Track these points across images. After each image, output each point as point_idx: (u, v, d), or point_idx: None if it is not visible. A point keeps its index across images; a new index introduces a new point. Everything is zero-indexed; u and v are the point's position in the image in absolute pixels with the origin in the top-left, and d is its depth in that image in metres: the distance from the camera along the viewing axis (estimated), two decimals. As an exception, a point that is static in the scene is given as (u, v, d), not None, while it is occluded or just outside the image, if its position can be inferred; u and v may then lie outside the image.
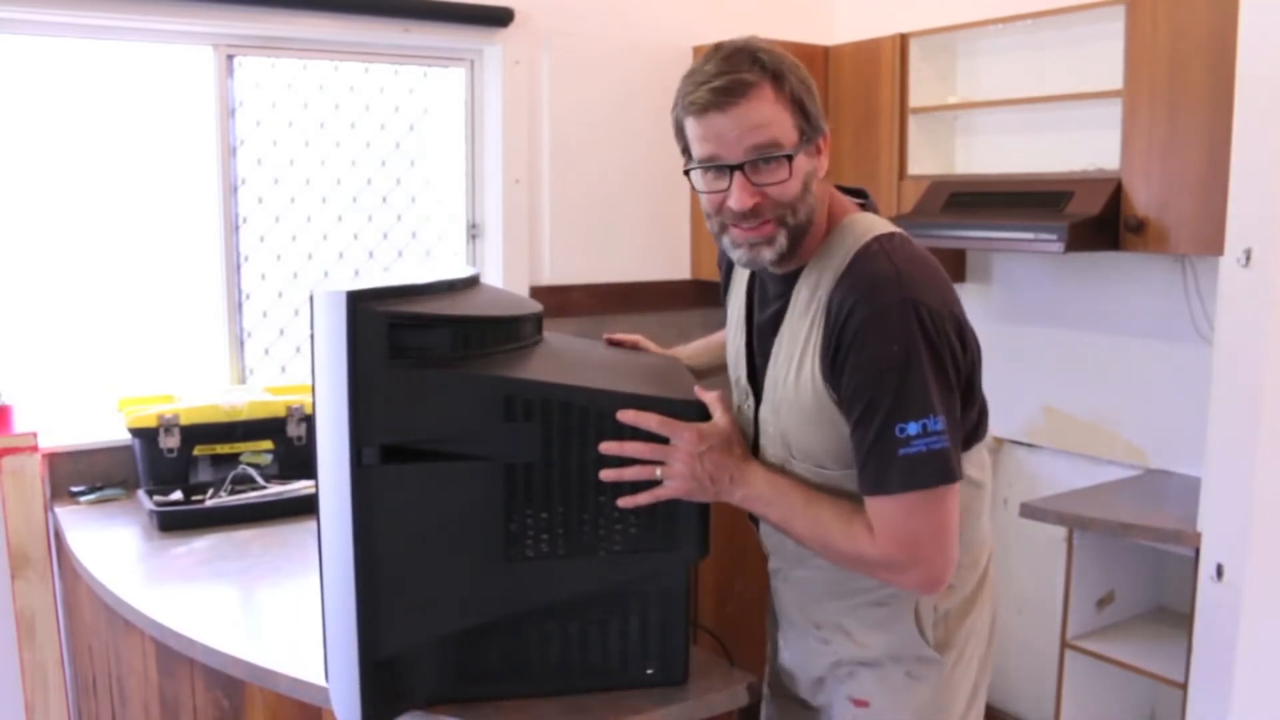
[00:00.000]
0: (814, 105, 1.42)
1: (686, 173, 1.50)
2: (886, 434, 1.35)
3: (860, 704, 1.57)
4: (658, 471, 1.42)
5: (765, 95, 1.38)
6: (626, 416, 1.41)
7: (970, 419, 1.52)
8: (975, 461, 1.57)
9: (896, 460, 1.35)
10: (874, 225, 1.47)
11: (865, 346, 1.36)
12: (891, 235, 1.45)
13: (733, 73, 1.38)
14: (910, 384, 1.34)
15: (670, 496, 1.43)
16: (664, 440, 1.42)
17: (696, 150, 1.45)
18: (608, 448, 1.41)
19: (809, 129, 1.41)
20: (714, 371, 1.89)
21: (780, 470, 1.50)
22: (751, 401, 1.59)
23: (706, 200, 1.46)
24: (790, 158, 1.39)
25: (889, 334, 1.35)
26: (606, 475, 1.42)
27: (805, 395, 1.46)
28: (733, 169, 1.40)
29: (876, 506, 1.39)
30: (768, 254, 1.44)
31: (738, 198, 1.40)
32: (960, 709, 1.62)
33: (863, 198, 1.58)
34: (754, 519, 1.61)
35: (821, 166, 1.45)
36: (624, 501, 1.43)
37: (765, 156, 1.38)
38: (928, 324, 1.36)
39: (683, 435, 1.42)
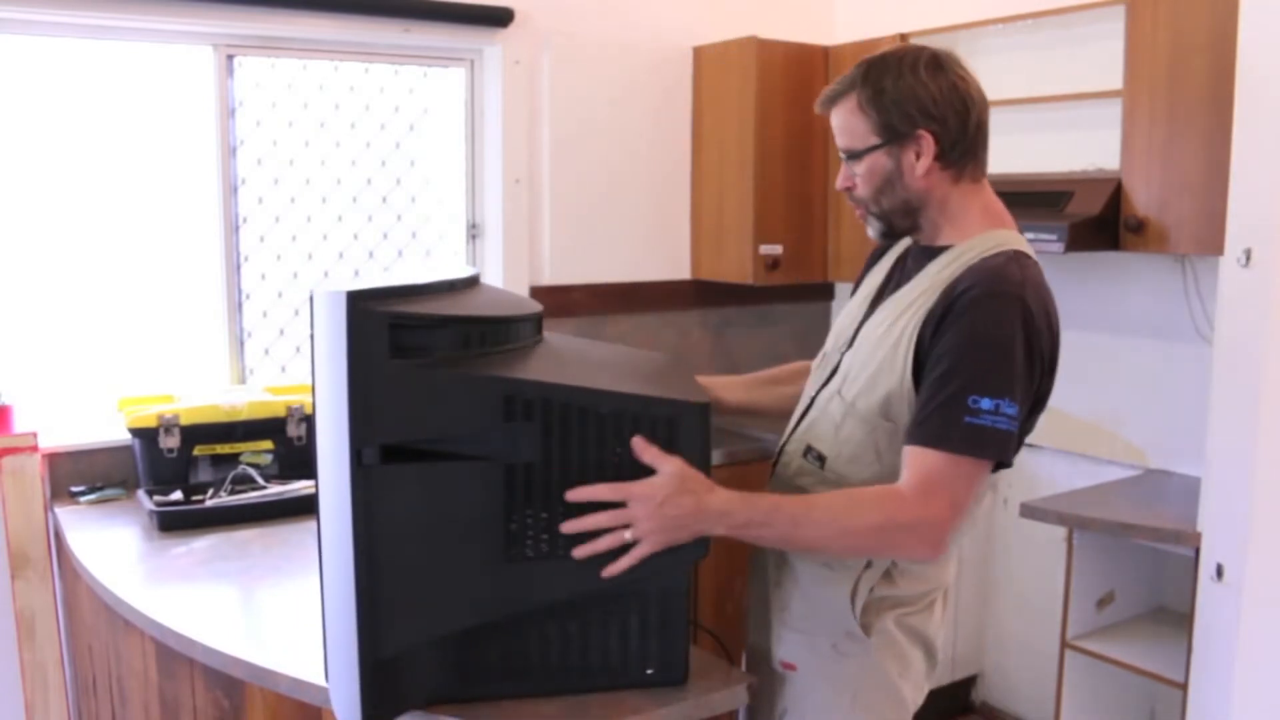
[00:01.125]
0: (896, 110, 1.56)
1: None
2: (960, 399, 1.43)
3: (789, 666, 1.68)
4: (627, 535, 1.44)
5: (847, 104, 1.59)
6: (576, 495, 1.43)
7: (1021, 444, 1.58)
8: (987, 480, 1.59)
9: (962, 425, 1.43)
10: (1019, 244, 1.59)
11: (971, 317, 1.47)
12: (1028, 256, 1.58)
13: (838, 83, 1.62)
14: (999, 364, 1.44)
15: (649, 552, 1.44)
16: (622, 504, 1.44)
17: None
18: (569, 527, 1.43)
19: (890, 132, 1.57)
20: (740, 411, 1.94)
21: (748, 493, 1.51)
22: (843, 349, 1.67)
23: None
24: (860, 156, 1.58)
25: (996, 315, 1.46)
26: (580, 552, 1.44)
27: (886, 342, 1.56)
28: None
29: (926, 460, 1.44)
30: (870, 231, 1.67)
31: (839, 178, 1.66)
32: (884, 701, 1.65)
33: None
34: (779, 482, 1.71)
35: (914, 163, 1.57)
36: (607, 572, 1.45)
37: (844, 155, 1.62)
38: (1032, 324, 1.47)
39: (634, 493, 1.43)
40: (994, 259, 1.53)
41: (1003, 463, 1.49)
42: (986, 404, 1.42)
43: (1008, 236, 1.60)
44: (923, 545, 1.46)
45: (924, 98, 1.57)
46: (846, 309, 1.77)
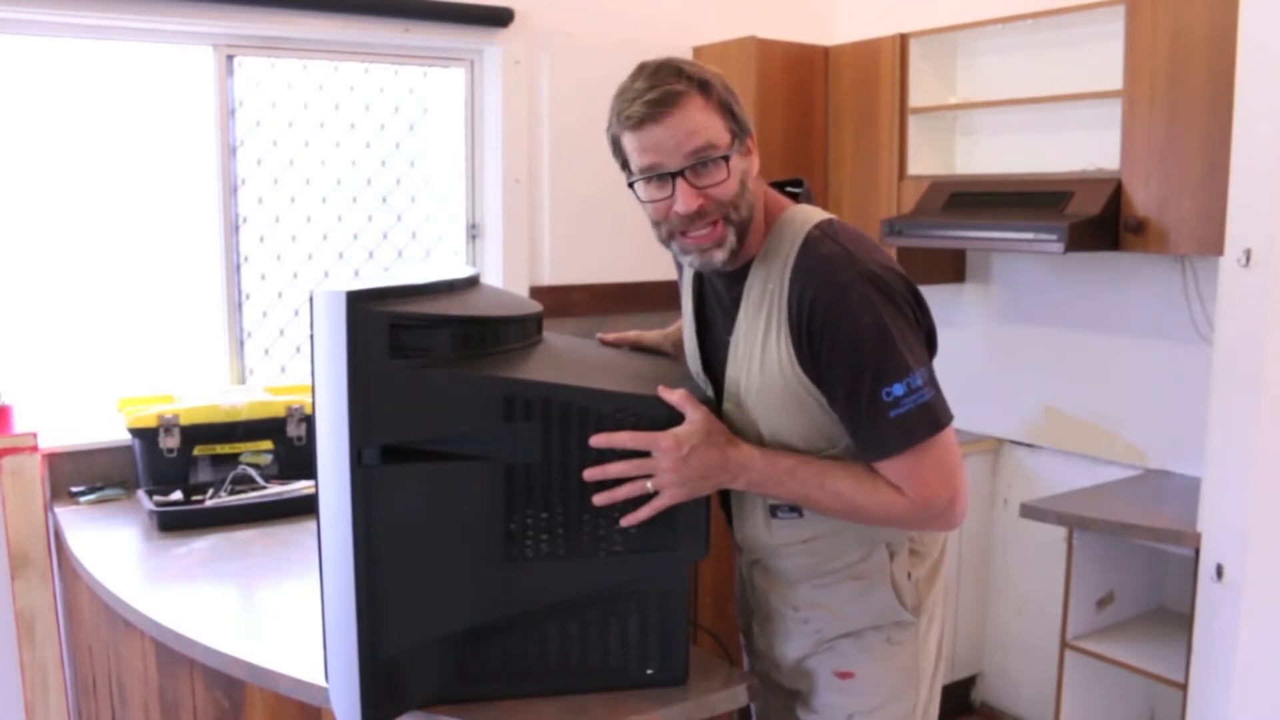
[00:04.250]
0: (740, 108, 1.50)
1: (630, 186, 1.55)
2: (875, 401, 1.42)
3: (845, 675, 1.63)
4: (649, 485, 1.43)
5: (695, 103, 1.45)
6: (599, 440, 1.42)
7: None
8: None
9: (889, 424, 1.42)
10: (811, 215, 1.54)
11: (836, 326, 1.43)
12: (830, 220, 1.53)
13: (662, 85, 1.45)
14: (886, 350, 1.42)
15: (670, 504, 1.45)
16: (646, 453, 1.43)
17: (636, 162, 1.52)
18: (592, 474, 1.43)
19: (738, 130, 1.49)
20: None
21: (770, 447, 1.52)
22: (711, 397, 1.61)
23: (651, 210, 1.52)
24: (726, 158, 1.46)
25: (854, 310, 1.43)
26: (600, 499, 1.43)
27: (773, 384, 1.51)
28: (674, 175, 1.46)
29: (888, 469, 1.46)
30: (719, 255, 1.50)
31: (683, 201, 1.45)
32: (930, 669, 1.70)
33: (798, 186, 1.65)
34: (728, 514, 1.67)
35: (754, 165, 1.52)
36: (627, 520, 1.45)
37: (704, 159, 1.45)
38: (885, 290, 1.44)
39: (661, 444, 1.42)
40: (809, 248, 1.47)
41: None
42: (899, 389, 1.41)
43: (794, 216, 1.53)
44: (940, 525, 1.51)
45: (736, 93, 1.52)
46: (689, 353, 1.73)
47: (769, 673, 1.72)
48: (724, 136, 1.46)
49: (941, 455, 1.45)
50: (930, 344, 1.54)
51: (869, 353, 1.42)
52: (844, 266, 1.44)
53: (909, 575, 1.61)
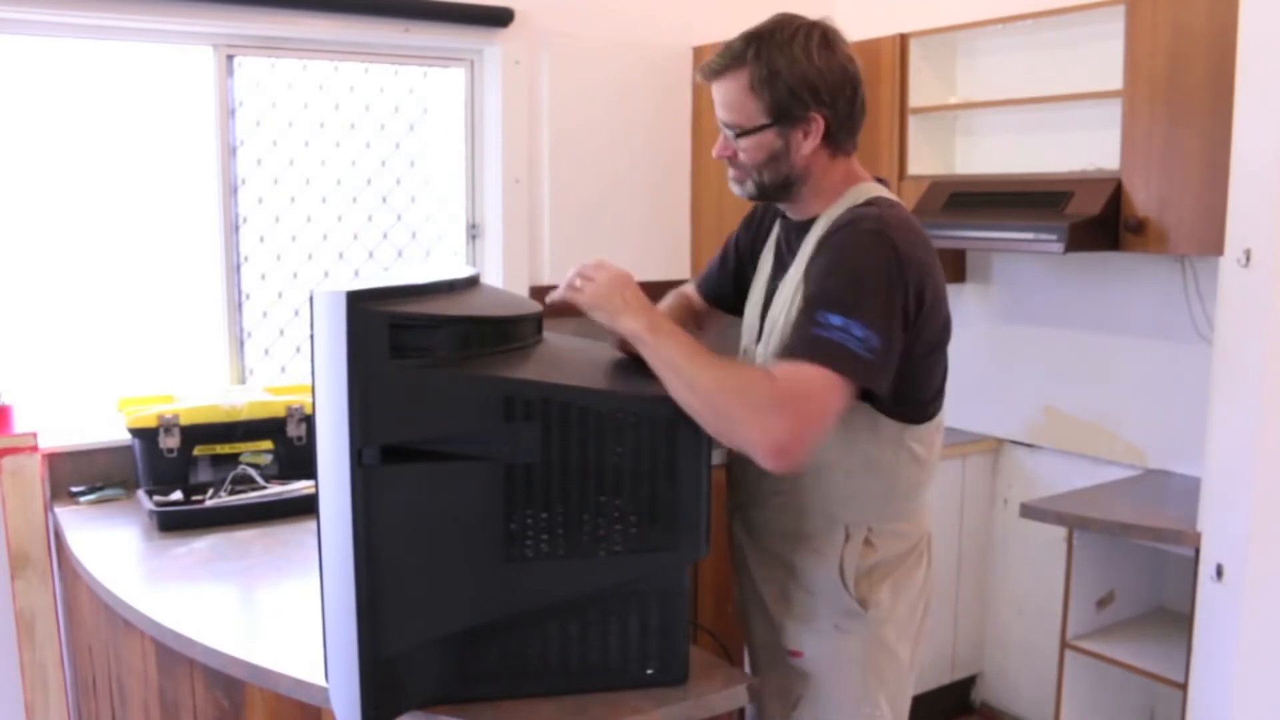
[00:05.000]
0: (799, 92, 1.57)
1: None
2: (810, 315, 1.47)
3: (795, 654, 1.71)
4: (577, 282, 1.59)
5: (739, 80, 1.59)
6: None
7: (930, 388, 1.65)
8: (925, 440, 1.66)
9: (809, 337, 1.46)
10: (880, 192, 1.65)
11: (831, 251, 1.54)
12: (892, 201, 1.63)
13: (725, 53, 1.61)
14: (853, 288, 1.47)
15: (577, 300, 1.58)
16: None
17: None
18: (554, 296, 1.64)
19: (783, 114, 1.58)
20: None
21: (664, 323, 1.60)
22: (755, 341, 1.74)
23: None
24: (746, 134, 1.59)
25: (854, 247, 1.52)
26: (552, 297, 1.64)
27: (792, 324, 1.56)
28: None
29: (783, 371, 1.47)
30: (738, 190, 1.68)
31: (715, 147, 1.67)
32: (895, 677, 1.72)
33: (882, 183, 1.74)
34: (736, 486, 1.80)
35: (803, 144, 1.60)
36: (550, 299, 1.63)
37: (729, 130, 1.62)
38: (895, 254, 1.49)
39: (601, 270, 1.58)
40: (857, 210, 1.59)
41: (871, 393, 1.52)
42: (836, 319, 1.44)
43: (867, 188, 1.66)
44: (772, 448, 1.42)
45: (817, 81, 1.58)
46: (750, 301, 1.81)
47: (750, 628, 1.83)
48: (755, 118, 1.58)
49: (823, 393, 1.43)
50: (933, 364, 1.61)
51: (838, 279, 1.49)
52: (871, 223, 1.53)
53: (857, 564, 1.65)
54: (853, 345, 1.43)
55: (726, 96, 1.60)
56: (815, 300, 1.49)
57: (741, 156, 1.62)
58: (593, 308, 1.57)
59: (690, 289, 1.99)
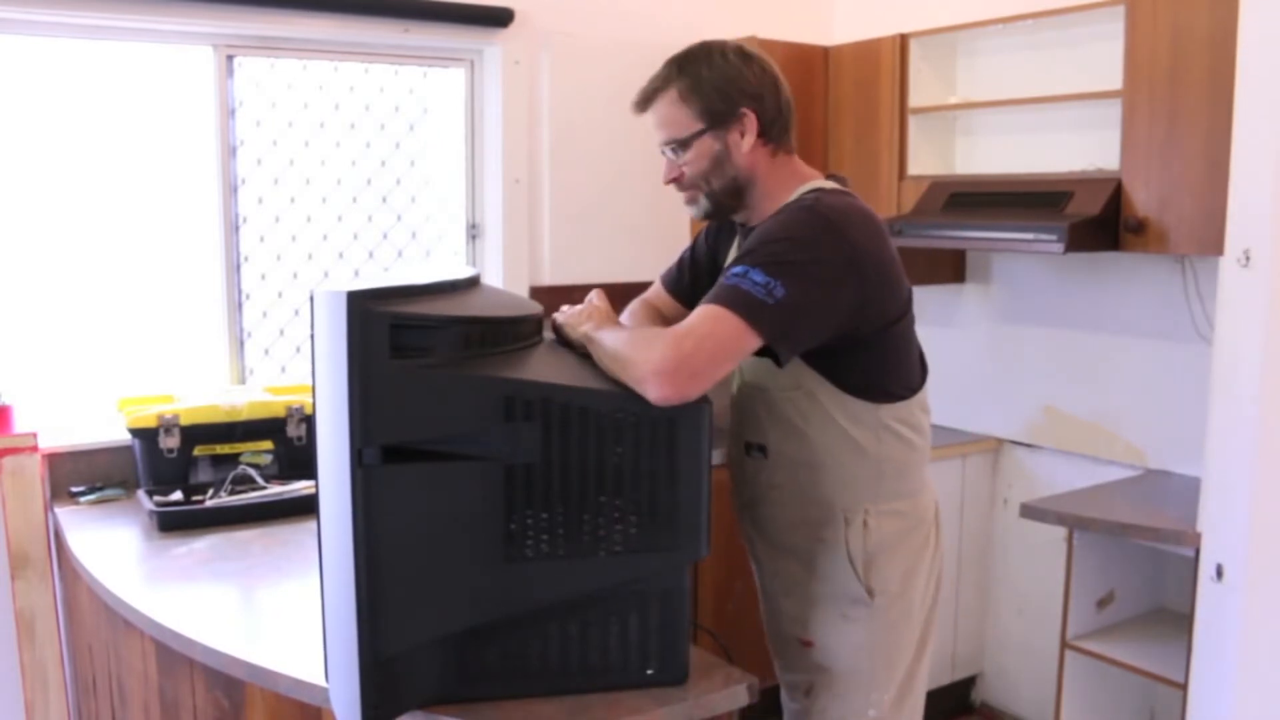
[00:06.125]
0: (726, 91, 1.66)
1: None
2: (732, 272, 1.53)
3: (807, 644, 1.77)
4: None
5: (668, 98, 1.69)
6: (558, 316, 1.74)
7: (907, 365, 1.71)
8: (907, 420, 1.71)
9: (726, 286, 1.52)
10: (830, 186, 1.72)
11: (762, 228, 1.62)
12: (839, 190, 1.70)
13: (651, 81, 1.71)
14: (772, 246, 1.54)
15: (556, 319, 1.72)
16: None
17: None
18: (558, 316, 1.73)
19: (715, 116, 1.67)
20: None
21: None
22: None
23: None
24: (687, 144, 1.68)
25: (787, 218, 1.60)
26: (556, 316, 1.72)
27: None
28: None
29: (692, 313, 1.55)
30: (694, 210, 1.77)
31: (663, 173, 1.75)
32: (904, 662, 1.76)
33: (838, 179, 1.79)
34: (739, 485, 1.85)
35: (739, 141, 1.68)
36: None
37: (669, 149, 1.71)
38: (826, 225, 1.56)
39: (588, 306, 1.71)
40: (802, 195, 1.67)
41: (774, 354, 1.56)
42: (758, 276, 1.50)
43: (813, 184, 1.72)
44: (656, 375, 1.43)
45: (740, 80, 1.68)
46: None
47: (767, 619, 1.88)
48: (690, 126, 1.67)
49: (708, 323, 1.49)
50: (902, 341, 1.68)
51: (760, 242, 1.56)
52: (806, 200, 1.62)
53: (863, 547, 1.70)
54: (754, 290, 1.49)
55: (659, 116, 1.70)
56: (735, 260, 1.56)
57: (687, 171, 1.70)
58: (564, 324, 1.68)
59: (654, 293, 2.02)
